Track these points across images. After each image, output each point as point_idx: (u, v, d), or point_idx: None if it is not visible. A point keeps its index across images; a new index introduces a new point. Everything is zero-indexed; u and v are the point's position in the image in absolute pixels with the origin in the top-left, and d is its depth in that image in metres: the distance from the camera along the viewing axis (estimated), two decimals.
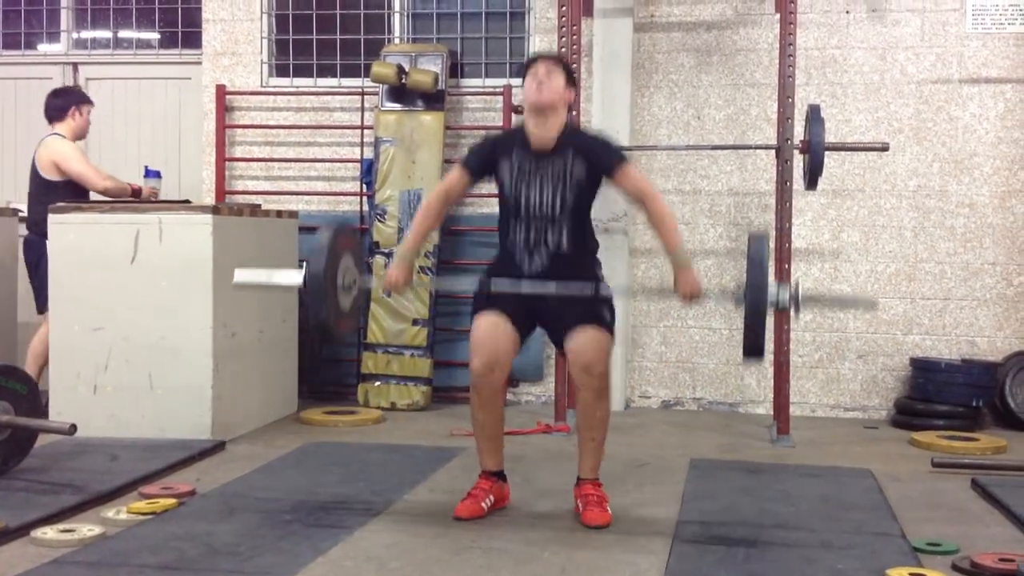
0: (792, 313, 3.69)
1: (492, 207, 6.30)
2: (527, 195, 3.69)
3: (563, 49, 5.49)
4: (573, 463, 4.15)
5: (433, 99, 6.27)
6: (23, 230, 5.94)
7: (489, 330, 3.69)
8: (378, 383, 6.13)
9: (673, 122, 6.23)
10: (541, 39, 6.38)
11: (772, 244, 5.56)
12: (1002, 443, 5.16)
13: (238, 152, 6.73)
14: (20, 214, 6.06)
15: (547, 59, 3.84)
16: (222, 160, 6.67)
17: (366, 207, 6.43)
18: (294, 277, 3.74)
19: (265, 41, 6.72)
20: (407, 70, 6.19)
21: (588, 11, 6.00)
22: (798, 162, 5.32)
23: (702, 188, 6.22)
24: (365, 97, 6.53)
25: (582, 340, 3.62)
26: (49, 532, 3.38)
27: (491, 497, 3.77)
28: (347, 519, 3.62)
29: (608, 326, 3.68)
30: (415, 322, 6.16)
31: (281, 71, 6.78)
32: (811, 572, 3.14)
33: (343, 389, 6.37)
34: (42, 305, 5.51)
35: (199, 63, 6.80)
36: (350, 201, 6.59)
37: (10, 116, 7.13)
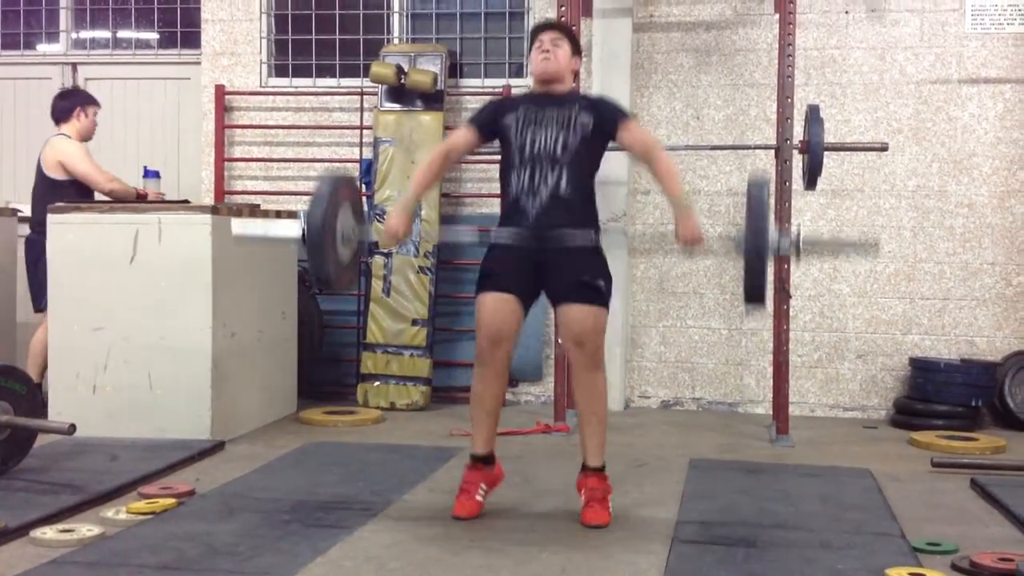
0: (793, 258, 3.68)
1: (492, 207, 6.34)
2: (531, 137, 3.70)
3: None
4: (573, 463, 4.15)
5: (432, 99, 6.28)
6: (23, 230, 5.95)
7: (493, 307, 3.69)
8: (377, 383, 6.13)
9: (672, 122, 6.23)
10: None
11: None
12: (1001, 443, 5.17)
13: (237, 152, 6.73)
14: (20, 214, 6.06)
15: (552, 29, 3.85)
16: (221, 160, 6.67)
17: (365, 207, 6.42)
18: (292, 228, 3.72)
19: (264, 41, 6.73)
20: (406, 70, 6.19)
21: (587, 11, 6.00)
22: (797, 162, 5.32)
23: (701, 188, 6.22)
24: (364, 97, 6.53)
25: (574, 314, 3.63)
26: (48, 532, 3.37)
27: (483, 486, 3.77)
28: (346, 519, 3.62)
29: (603, 298, 3.68)
30: (414, 322, 6.16)
31: (280, 71, 6.78)
32: (810, 572, 3.14)
33: (342, 389, 6.37)
34: (38, 303, 5.52)
35: (198, 63, 6.80)
36: None
37: (9, 116, 7.14)
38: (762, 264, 3.42)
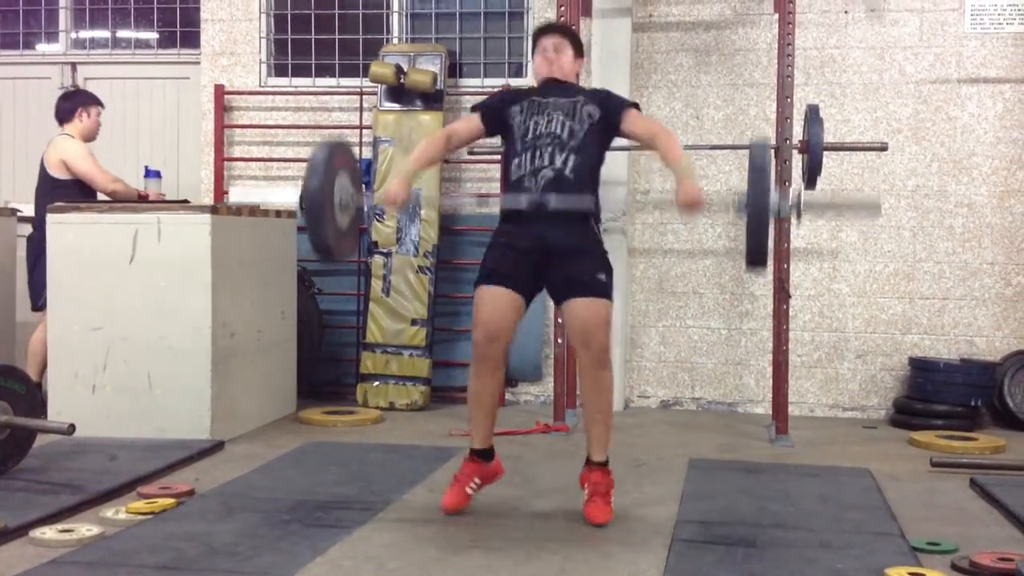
0: (794, 219, 3.68)
1: (492, 207, 6.32)
2: (536, 122, 3.71)
3: None
4: (572, 463, 4.15)
5: (432, 99, 6.27)
6: (23, 229, 5.95)
7: (490, 302, 3.68)
8: (377, 383, 6.13)
9: (672, 122, 6.23)
10: None
11: (771, 243, 5.57)
12: (1001, 443, 5.17)
13: (236, 152, 6.73)
14: (19, 214, 6.07)
15: (554, 32, 3.85)
16: (220, 160, 6.67)
17: (365, 207, 6.40)
18: (290, 196, 3.72)
19: (263, 41, 6.72)
20: (406, 70, 6.19)
21: (587, 11, 6.00)
22: (797, 162, 5.32)
23: (701, 188, 6.19)
24: (364, 97, 6.52)
25: (579, 310, 3.62)
26: (48, 532, 3.37)
27: (476, 480, 3.78)
28: (346, 519, 3.62)
29: (607, 291, 3.67)
30: (414, 322, 6.16)
31: (280, 71, 6.78)
32: (810, 572, 3.13)
33: (342, 389, 6.37)
34: (36, 302, 5.53)
35: (198, 63, 6.80)
36: None
37: (8, 116, 7.14)
38: (764, 225, 3.41)
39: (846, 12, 6.08)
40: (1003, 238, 5.98)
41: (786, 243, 5.32)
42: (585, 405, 3.78)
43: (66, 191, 5.51)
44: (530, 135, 3.71)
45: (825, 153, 5.23)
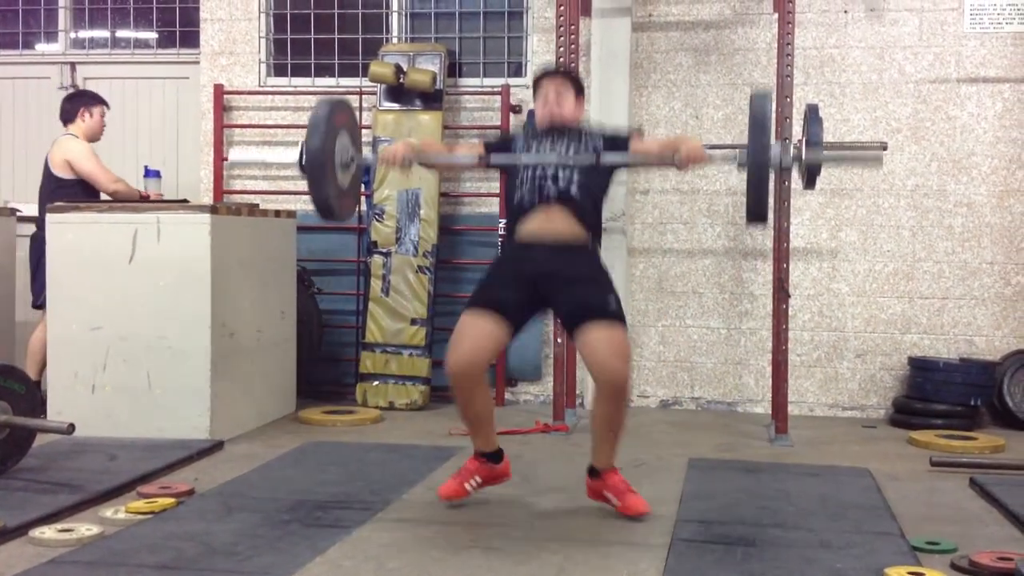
0: (795, 174, 3.67)
1: (492, 207, 6.34)
2: (539, 149, 3.73)
3: (561, 48, 5.49)
4: (572, 462, 4.16)
5: (431, 99, 6.27)
6: (22, 229, 5.96)
7: (469, 333, 3.65)
8: (376, 382, 6.13)
9: (671, 121, 6.23)
10: (539, 38, 6.38)
11: (770, 243, 5.58)
12: (1000, 442, 5.17)
13: (236, 152, 6.72)
14: (19, 213, 6.07)
15: (555, 77, 3.84)
16: (220, 159, 6.66)
17: (364, 207, 6.42)
18: (291, 154, 3.72)
19: (263, 41, 6.72)
20: (405, 70, 6.19)
21: (586, 10, 6.00)
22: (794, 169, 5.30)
23: (700, 187, 6.22)
24: (363, 97, 6.52)
25: (597, 341, 3.56)
26: (47, 532, 3.37)
27: (477, 478, 3.80)
28: (346, 519, 3.62)
29: (621, 317, 3.65)
30: (413, 321, 6.16)
31: (279, 71, 6.78)
32: (810, 571, 3.14)
33: (341, 389, 6.37)
34: (37, 300, 5.53)
35: (197, 63, 6.80)
36: None
37: (8, 116, 7.13)
38: (764, 180, 3.40)
39: (846, 12, 6.08)
40: (1002, 238, 5.98)
41: (785, 243, 5.32)
42: (599, 421, 3.71)
43: (70, 191, 5.54)
44: (532, 162, 3.72)
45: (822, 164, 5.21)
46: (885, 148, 5.56)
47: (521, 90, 6.39)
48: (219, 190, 6.64)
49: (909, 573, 3.05)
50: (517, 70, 6.54)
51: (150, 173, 6.10)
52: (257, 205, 5.75)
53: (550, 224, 3.66)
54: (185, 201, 5.88)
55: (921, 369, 5.80)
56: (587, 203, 3.71)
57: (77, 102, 5.80)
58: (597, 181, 3.76)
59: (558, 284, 3.65)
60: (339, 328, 6.52)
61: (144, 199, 5.75)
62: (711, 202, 6.21)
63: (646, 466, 4.60)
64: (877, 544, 3.40)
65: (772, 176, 3.64)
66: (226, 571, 3.08)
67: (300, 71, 6.75)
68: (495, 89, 6.40)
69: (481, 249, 6.38)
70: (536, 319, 3.92)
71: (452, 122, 6.45)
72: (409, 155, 3.79)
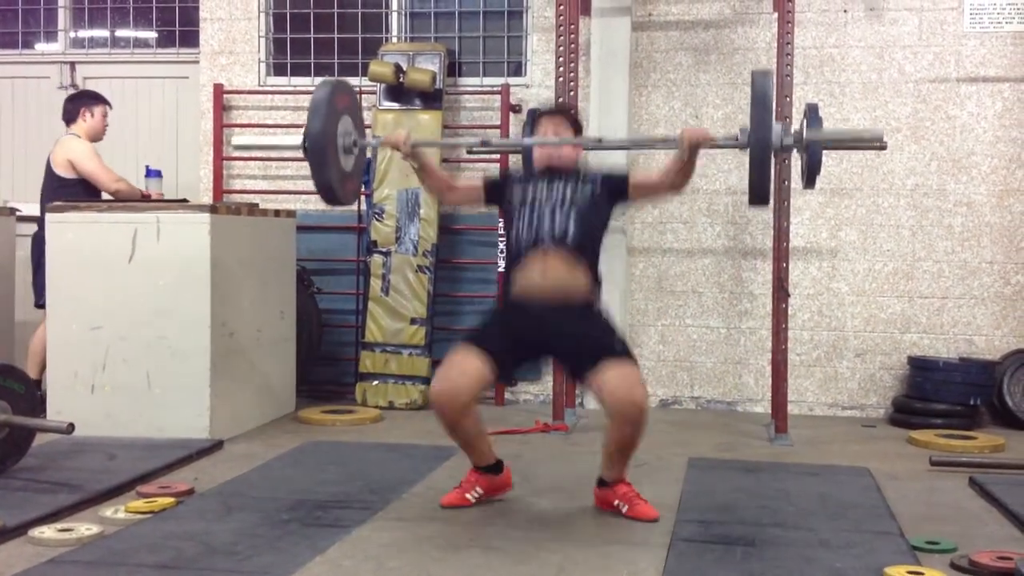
0: (796, 153, 3.68)
1: (490, 206, 6.33)
2: (536, 194, 3.71)
3: (560, 48, 5.48)
4: (571, 462, 4.16)
5: (431, 98, 6.27)
6: (21, 228, 5.96)
7: (457, 369, 3.65)
8: (376, 382, 6.13)
9: (671, 121, 6.23)
10: (539, 38, 6.38)
11: (770, 243, 5.58)
12: (1000, 441, 5.17)
13: (236, 151, 6.72)
14: (18, 213, 6.07)
15: (554, 117, 3.80)
16: (219, 159, 6.66)
17: (364, 206, 6.42)
18: (294, 138, 3.72)
19: (263, 40, 6.72)
20: (405, 69, 6.19)
21: (586, 10, 6.00)
22: (796, 160, 5.31)
23: (700, 187, 6.22)
24: (363, 96, 6.51)
25: (611, 377, 3.54)
26: (47, 531, 3.37)
27: (478, 489, 3.82)
28: (345, 518, 3.62)
29: (631, 354, 3.67)
30: (413, 321, 6.16)
31: (279, 70, 6.78)
32: (809, 571, 3.13)
33: (341, 388, 6.37)
34: (39, 300, 5.53)
35: (196, 62, 6.80)
36: None
37: (7, 115, 7.13)
38: (766, 161, 3.40)
39: (845, 11, 6.08)
40: (1002, 237, 5.98)
41: (785, 242, 5.32)
42: (615, 445, 3.67)
43: (72, 190, 5.54)
44: (528, 202, 3.71)
45: (824, 152, 5.22)
46: (884, 147, 5.52)
47: (521, 89, 6.40)
48: (219, 190, 6.64)
49: (909, 572, 3.04)
50: (517, 69, 6.54)
51: (151, 173, 6.10)
52: (257, 205, 5.75)
53: (549, 274, 3.65)
54: (185, 201, 5.88)
55: (921, 368, 5.80)
56: (587, 243, 3.70)
57: (78, 102, 5.81)
58: (596, 220, 3.75)
59: (560, 340, 3.67)
60: (339, 327, 6.52)
61: (146, 199, 5.76)
62: (711, 201, 6.21)
63: (646, 466, 4.59)
64: (877, 543, 3.40)
65: (774, 161, 3.63)
66: (226, 571, 3.08)
67: (300, 70, 6.75)
68: (495, 88, 6.40)
69: (481, 249, 6.39)
70: (531, 366, 3.95)
71: (452, 121, 6.45)
72: (408, 138, 3.82)
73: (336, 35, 6.69)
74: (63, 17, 7.06)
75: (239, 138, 6.54)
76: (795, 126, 5.23)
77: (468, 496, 3.81)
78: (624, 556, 3.27)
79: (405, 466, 4.47)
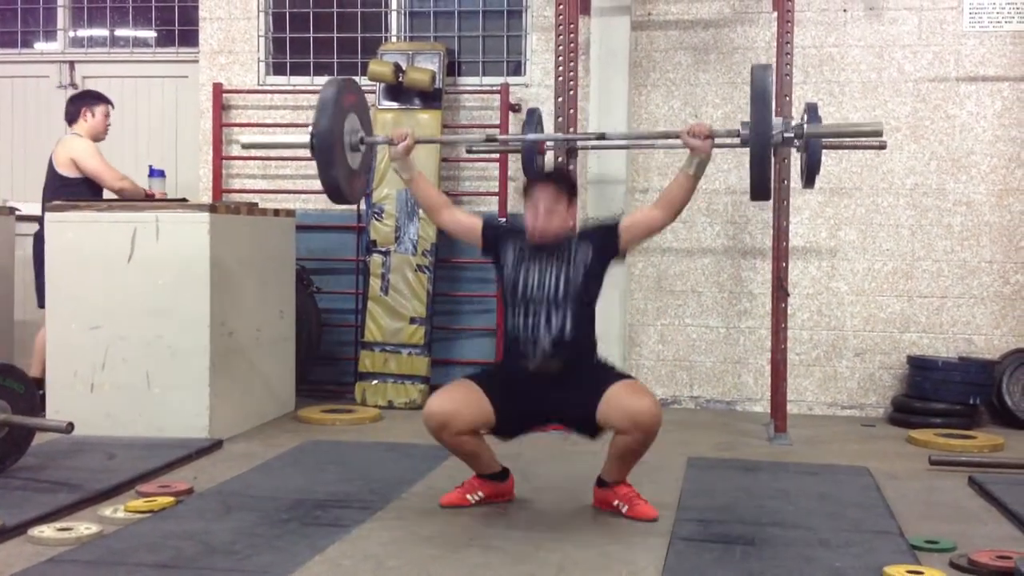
0: (795, 172, 3.68)
1: (489, 206, 6.34)
2: (528, 277, 3.68)
3: (560, 47, 5.47)
4: (571, 461, 4.16)
5: (430, 97, 6.27)
6: (21, 228, 5.96)
7: (462, 399, 3.68)
8: (375, 381, 6.13)
9: (671, 120, 6.23)
10: (538, 37, 6.38)
11: (769, 242, 5.57)
12: (999, 441, 5.17)
13: (235, 150, 6.72)
14: (17, 212, 6.07)
15: (547, 187, 3.71)
16: (219, 158, 6.66)
17: (363, 206, 6.42)
18: (301, 136, 3.74)
19: (262, 39, 6.72)
20: (404, 68, 6.19)
21: (585, 9, 5.99)
22: (795, 160, 5.31)
23: (699, 186, 6.08)
24: None
25: (618, 393, 3.57)
26: (46, 530, 3.37)
27: (480, 493, 3.83)
28: (345, 517, 3.62)
29: (631, 376, 3.69)
30: (412, 320, 6.16)
31: (278, 69, 6.78)
32: (809, 570, 3.14)
33: (340, 388, 6.37)
34: (43, 300, 5.53)
35: (196, 61, 6.80)
36: None
37: (6, 114, 7.13)
38: (766, 158, 3.40)
39: (845, 10, 6.08)
40: (1001, 236, 5.98)
41: (784, 241, 5.31)
42: (623, 451, 3.66)
43: (75, 189, 5.55)
44: (521, 290, 3.68)
45: (824, 151, 5.22)
46: (884, 147, 5.52)
47: (520, 89, 6.40)
48: (218, 189, 6.64)
49: (908, 572, 3.04)
50: (516, 69, 6.54)
51: (155, 172, 6.10)
52: (256, 204, 5.75)
53: (548, 365, 3.65)
54: (184, 200, 5.88)
55: (920, 368, 5.80)
56: (583, 326, 3.68)
57: (79, 102, 5.81)
58: (593, 291, 3.74)
59: (562, 409, 3.70)
60: (338, 327, 6.52)
61: (150, 198, 5.76)
62: (710, 201, 6.21)
63: (645, 465, 4.58)
64: (876, 543, 3.40)
65: (774, 159, 3.65)
66: (225, 570, 3.08)
67: (299, 70, 6.75)
68: (494, 88, 6.40)
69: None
70: (536, 428, 3.94)
71: (451, 121, 6.45)
72: (412, 140, 3.83)
73: (335, 34, 6.69)
74: (62, 16, 7.06)
75: (246, 136, 6.53)
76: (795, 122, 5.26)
77: (468, 497, 3.81)
78: (623, 555, 3.27)
79: (404, 465, 4.47)
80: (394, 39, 6.62)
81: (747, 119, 3.58)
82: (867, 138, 5.06)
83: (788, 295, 5.37)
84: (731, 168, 6.16)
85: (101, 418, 4.83)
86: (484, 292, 6.34)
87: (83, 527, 3.42)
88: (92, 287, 4.92)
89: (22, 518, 3.45)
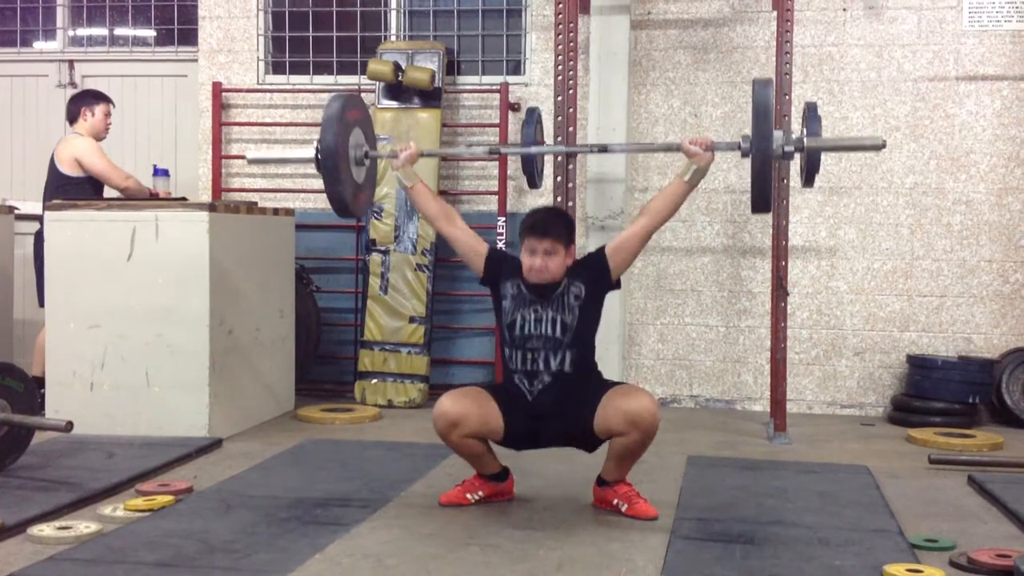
0: (795, 171, 3.70)
1: (491, 205, 6.34)
2: (525, 319, 3.69)
3: (559, 47, 5.47)
4: (571, 460, 4.15)
5: (430, 96, 6.27)
6: (20, 227, 5.96)
7: (474, 401, 3.71)
8: (375, 380, 6.13)
9: (670, 119, 6.23)
10: (538, 36, 6.37)
11: (769, 241, 5.58)
12: (998, 440, 5.17)
13: (235, 149, 6.72)
14: (16, 211, 6.07)
15: (544, 235, 3.67)
16: (218, 157, 6.66)
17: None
18: (306, 151, 3.76)
19: (261, 38, 6.72)
20: (404, 67, 6.19)
21: (585, 8, 5.99)
22: (795, 160, 5.30)
23: (700, 186, 6.16)
24: (361, 94, 6.51)
25: (615, 396, 3.60)
26: (46, 529, 3.37)
27: (480, 492, 3.84)
28: (344, 516, 3.62)
29: (622, 383, 3.71)
30: (412, 319, 6.16)
31: (278, 68, 6.78)
32: (808, 569, 3.14)
33: (340, 387, 6.37)
34: (44, 299, 5.54)
35: (195, 60, 6.80)
36: None
37: (6, 114, 7.12)
38: (767, 171, 3.40)
39: (844, 10, 6.08)
40: (1001, 235, 5.98)
41: (784, 240, 5.31)
42: (623, 451, 3.67)
43: (77, 188, 5.55)
44: (518, 331, 3.70)
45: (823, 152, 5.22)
46: (884, 146, 5.53)
47: (520, 88, 6.40)
48: (217, 188, 6.64)
49: (908, 570, 3.05)
50: (516, 68, 6.54)
51: (159, 172, 6.10)
52: (256, 203, 5.75)
53: (547, 398, 3.68)
54: (184, 199, 5.87)
55: (920, 367, 5.81)
56: (583, 360, 3.70)
57: (80, 102, 5.81)
58: (591, 327, 3.75)
59: (562, 430, 3.75)
60: (338, 326, 6.52)
61: (154, 197, 5.76)
62: (710, 200, 6.21)
63: (645, 464, 4.58)
64: (876, 541, 3.40)
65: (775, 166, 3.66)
66: (225, 568, 3.08)
67: (299, 69, 6.74)
68: (494, 87, 6.39)
69: None
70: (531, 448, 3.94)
71: (451, 120, 6.45)
72: (416, 150, 3.87)
73: (335, 33, 6.69)
74: (62, 15, 7.06)
75: (251, 153, 6.50)
76: (795, 128, 5.26)
77: (468, 496, 3.82)
78: (623, 554, 3.27)
79: (404, 464, 4.47)
80: (393, 38, 6.62)
81: (747, 122, 3.61)
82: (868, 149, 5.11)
83: (788, 294, 5.37)
84: (731, 167, 6.16)
85: (100, 417, 4.83)
86: (483, 292, 6.30)
87: (83, 526, 3.42)
88: (91, 286, 4.92)
89: (22, 517, 3.45)
